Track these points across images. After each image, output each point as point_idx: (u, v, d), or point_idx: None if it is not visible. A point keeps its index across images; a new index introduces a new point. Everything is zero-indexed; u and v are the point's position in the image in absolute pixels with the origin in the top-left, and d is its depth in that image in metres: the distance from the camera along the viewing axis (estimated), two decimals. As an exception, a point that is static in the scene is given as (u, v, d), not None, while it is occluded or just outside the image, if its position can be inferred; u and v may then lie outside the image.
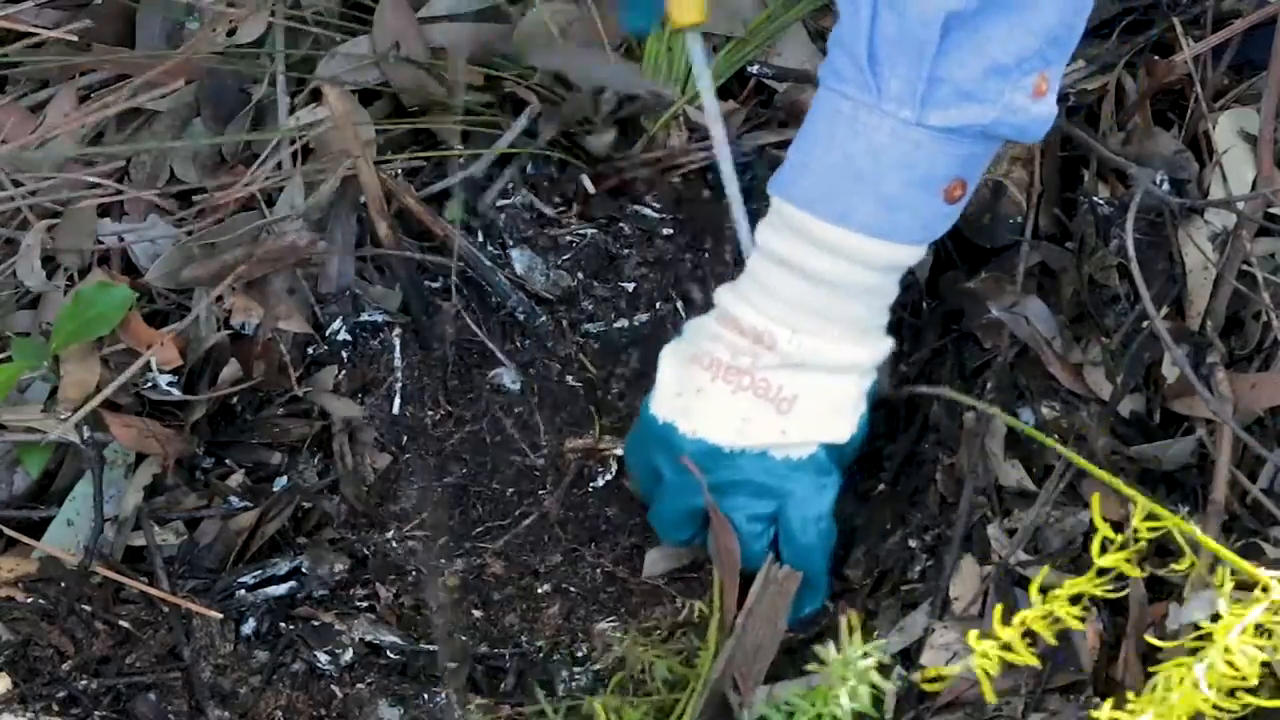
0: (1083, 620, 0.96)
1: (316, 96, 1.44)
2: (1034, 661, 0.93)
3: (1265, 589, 0.90)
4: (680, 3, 1.14)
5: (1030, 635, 1.08)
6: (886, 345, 1.15)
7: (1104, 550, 0.92)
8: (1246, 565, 0.91)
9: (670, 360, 1.18)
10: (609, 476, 1.30)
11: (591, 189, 1.42)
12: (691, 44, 1.19)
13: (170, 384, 1.30)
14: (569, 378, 1.36)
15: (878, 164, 1.04)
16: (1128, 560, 0.92)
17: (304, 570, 1.24)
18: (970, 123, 1.03)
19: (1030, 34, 1.01)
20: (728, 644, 1.08)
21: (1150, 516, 0.92)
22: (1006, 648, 0.93)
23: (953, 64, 1.01)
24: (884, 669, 0.97)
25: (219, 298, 1.32)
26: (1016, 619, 0.94)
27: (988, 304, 1.23)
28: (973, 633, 0.93)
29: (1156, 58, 1.34)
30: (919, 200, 1.06)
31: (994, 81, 1.02)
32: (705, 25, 1.18)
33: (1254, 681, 0.88)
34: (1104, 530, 0.91)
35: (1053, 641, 0.96)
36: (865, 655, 0.96)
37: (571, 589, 1.26)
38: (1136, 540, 0.92)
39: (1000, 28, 1.01)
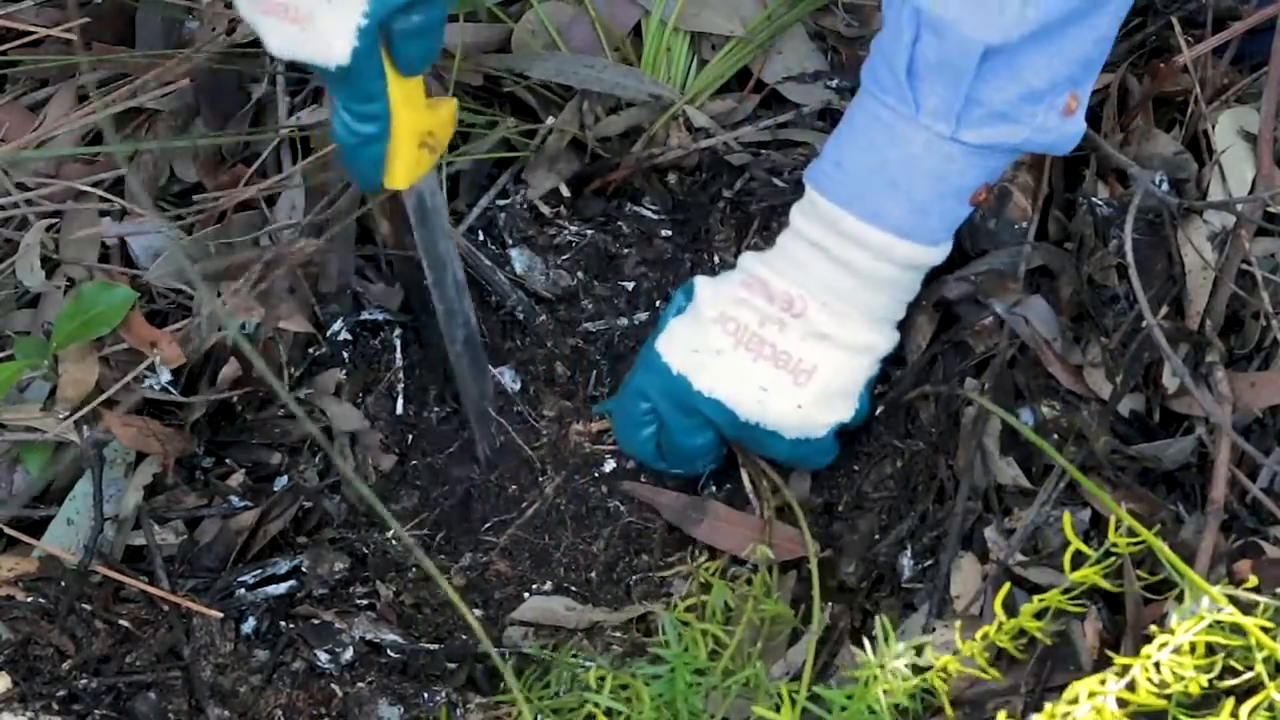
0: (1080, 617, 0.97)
1: (317, 96, 1.44)
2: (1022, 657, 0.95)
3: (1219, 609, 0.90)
4: (391, 172, 1.13)
5: (1028, 634, 1.08)
6: (896, 338, 1.20)
7: (1076, 567, 0.94)
8: (1210, 588, 0.91)
9: (688, 315, 1.20)
10: (611, 465, 1.31)
11: (587, 188, 1.42)
12: (407, 200, 1.20)
13: (170, 384, 1.30)
14: (569, 376, 1.36)
15: (912, 172, 1.10)
16: (1103, 573, 0.93)
17: (304, 569, 1.24)
18: (1002, 141, 1.08)
19: (1066, 62, 1.06)
20: None
21: (1130, 533, 0.92)
22: (999, 650, 0.94)
23: (990, 89, 1.06)
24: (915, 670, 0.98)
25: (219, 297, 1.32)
26: (1007, 624, 0.95)
27: (990, 301, 1.23)
28: (957, 626, 0.94)
29: (1158, 61, 1.34)
30: (948, 206, 1.13)
31: (1028, 105, 1.07)
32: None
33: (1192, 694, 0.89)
34: (1075, 544, 0.93)
35: (1048, 641, 0.97)
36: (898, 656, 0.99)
37: (572, 587, 1.26)
38: (1115, 550, 0.93)
39: (1039, 59, 1.05)
